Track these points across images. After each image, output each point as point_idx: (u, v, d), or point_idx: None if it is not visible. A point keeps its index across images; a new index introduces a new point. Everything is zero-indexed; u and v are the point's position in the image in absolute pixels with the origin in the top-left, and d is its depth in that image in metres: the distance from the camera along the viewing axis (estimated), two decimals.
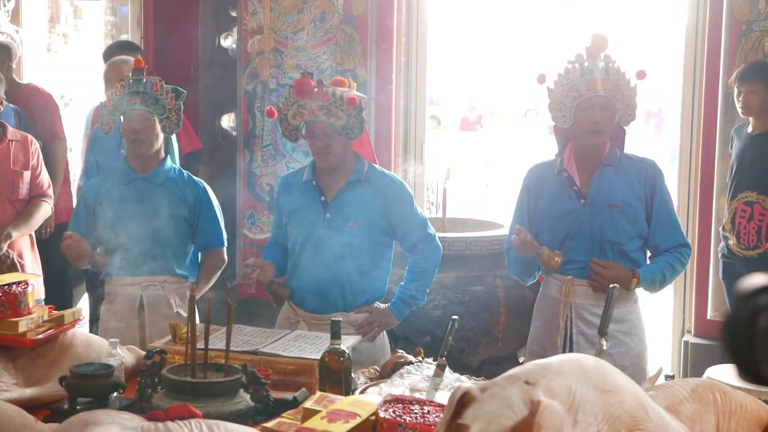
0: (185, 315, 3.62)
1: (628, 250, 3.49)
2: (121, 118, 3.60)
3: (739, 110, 4.81)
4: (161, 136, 3.68)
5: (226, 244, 3.81)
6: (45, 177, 4.53)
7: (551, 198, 3.56)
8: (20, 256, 4.38)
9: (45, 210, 4.49)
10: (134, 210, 3.62)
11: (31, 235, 4.54)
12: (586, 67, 3.44)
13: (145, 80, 3.60)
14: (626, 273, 3.46)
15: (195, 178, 3.79)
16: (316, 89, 3.42)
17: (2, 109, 4.41)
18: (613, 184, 3.48)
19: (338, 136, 3.42)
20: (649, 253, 3.58)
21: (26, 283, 3.06)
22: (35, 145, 4.48)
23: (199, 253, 3.81)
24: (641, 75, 3.46)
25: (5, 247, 4.24)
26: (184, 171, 3.81)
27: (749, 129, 4.83)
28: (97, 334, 3.70)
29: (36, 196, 4.46)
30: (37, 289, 3.94)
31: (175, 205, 3.65)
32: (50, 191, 4.57)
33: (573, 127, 3.47)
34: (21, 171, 4.39)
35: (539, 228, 3.56)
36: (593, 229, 3.48)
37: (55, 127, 5.30)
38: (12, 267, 4.22)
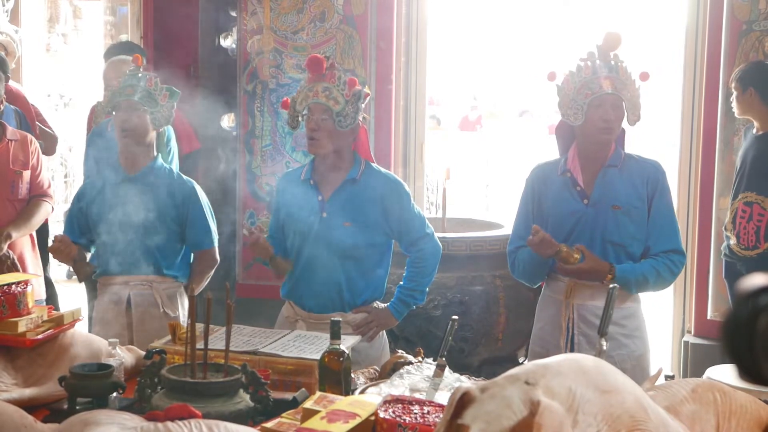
0: (172, 315, 3.64)
1: (631, 251, 3.48)
2: (114, 112, 3.64)
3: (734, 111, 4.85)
4: (152, 132, 3.69)
5: (216, 243, 3.80)
6: (45, 176, 4.53)
7: (554, 198, 3.55)
8: (21, 256, 4.37)
9: (45, 210, 4.49)
10: (123, 210, 3.63)
11: (31, 235, 4.54)
12: (599, 65, 3.44)
13: (140, 75, 3.65)
14: (602, 266, 3.42)
15: (184, 177, 3.80)
16: (326, 71, 3.44)
17: (2, 107, 4.40)
18: (616, 185, 3.47)
19: (331, 121, 3.43)
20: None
21: (26, 283, 3.06)
22: (35, 145, 4.48)
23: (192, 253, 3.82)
24: (645, 76, 3.46)
25: (5, 247, 4.24)
26: (174, 170, 3.82)
27: (754, 130, 4.84)
28: (92, 331, 3.72)
29: (36, 195, 4.45)
30: (37, 290, 3.94)
31: (163, 204, 3.66)
32: (50, 191, 4.56)
33: (584, 124, 3.45)
34: (20, 171, 4.38)
35: (542, 228, 3.55)
36: (596, 230, 3.46)
37: (30, 128, 5.28)
38: (12, 267, 4.21)
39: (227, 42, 5.95)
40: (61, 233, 3.73)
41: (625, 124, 3.51)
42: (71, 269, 7.92)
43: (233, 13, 5.90)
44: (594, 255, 3.42)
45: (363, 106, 3.51)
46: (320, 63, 3.47)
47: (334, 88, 3.43)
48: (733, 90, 4.82)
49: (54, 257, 3.64)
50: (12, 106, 5.04)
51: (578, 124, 3.45)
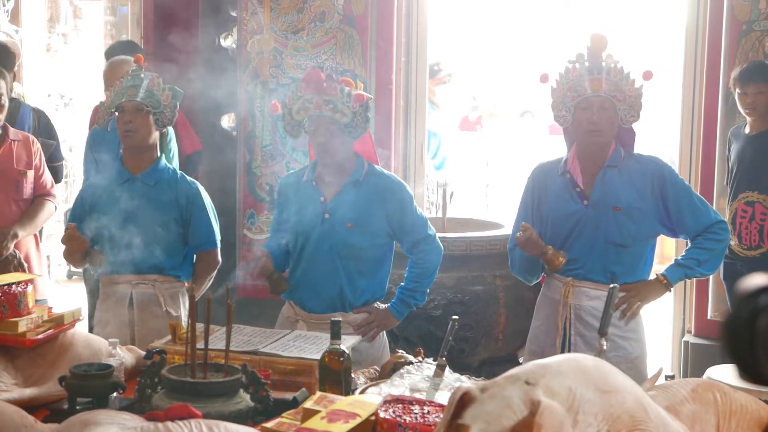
0: (174, 314, 3.64)
1: (634, 250, 3.48)
2: (116, 113, 3.63)
3: (744, 112, 4.79)
4: (155, 133, 3.69)
5: (219, 245, 3.80)
6: (48, 176, 4.54)
7: (554, 198, 3.55)
8: (27, 256, 4.39)
9: (49, 209, 4.50)
10: (126, 210, 3.63)
11: (35, 235, 4.56)
12: (587, 66, 3.43)
13: (142, 75, 3.63)
14: (653, 283, 3.49)
15: (188, 178, 3.80)
16: (325, 83, 3.43)
17: (5, 104, 4.37)
18: (616, 185, 3.46)
19: (341, 133, 3.43)
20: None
21: (26, 283, 3.06)
22: (37, 145, 4.49)
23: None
24: (648, 75, 3.43)
25: (12, 246, 4.26)
26: (178, 171, 3.82)
27: (747, 130, 4.82)
28: (93, 331, 3.72)
29: (40, 195, 4.46)
30: (40, 290, 3.95)
31: (166, 205, 3.66)
32: (54, 190, 4.57)
33: (573, 127, 3.47)
34: (24, 171, 4.39)
35: (542, 228, 3.56)
36: (596, 231, 3.46)
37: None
38: (19, 267, 4.25)
39: (227, 42, 5.95)
40: (69, 223, 3.73)
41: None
42: (71, 269, 7.90)
43: (233, 13, 5.89)
44: (635, 283, 3.47)
45: (371, 115, 3.51)
46: (319, 77, 3.45)
47: (338, 101, 3.42)
48: (742, 91, 4.75)
49: (68, 246, 3.61)
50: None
51: (567, 126, 3.47)
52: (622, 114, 3.41)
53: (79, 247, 3.59)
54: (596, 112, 3.40)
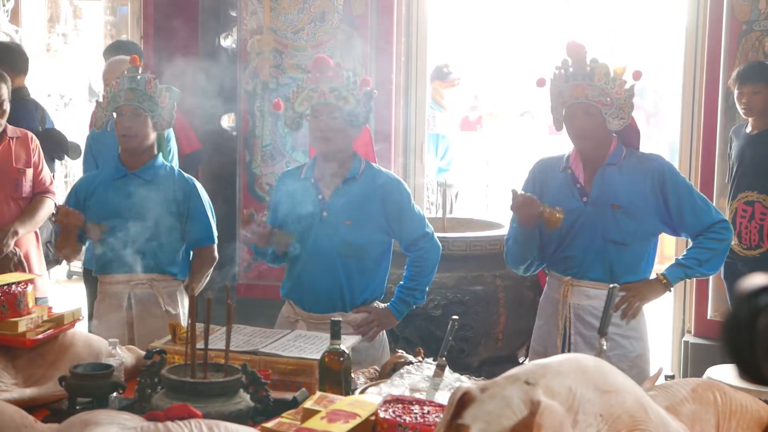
0: (173, 313, 3.64)
1: (636, 248, 3.47)
2: (114, 114, 3.63)
3: (741, 112, 4.79)
4: (153, 134, 3.69)
5: (216, 241, 3.80)
6: (47, 173, 4.54)
7: (555, 194, 3.54)
8: (27, 254, 4.39)
9: (49, 206, 4.50)
10: (123, 206, 3.62)
11: (36, 233, 4.56)
12: (571, 72, 3.41)
13: (138, 77, 3.62)
14: (653, 283, 3.47)
15: (185, 174, 3.80)
16: (331, 72, 3.44)
17: (6, 109, 4.37)
18: (616, 183, 3.45)
19: (342, 121, 3.43)
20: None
21: (26, 282, 3.06)
22: (35, 142, 4.48)
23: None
24: (637, 75, 3.41)
25: (12, 244, 4.26)
26: (175, 168, 3.82)
27: (748, 129, 4.82)
28: (92, 331, 3.72)
29: (39, 192, 4.47)
30: (40, 288, 3.95)
31: (164, 201, 3.65)
32: (52, 187, 4.57)
33: (567, 131, 3.48)
34: (24, 168, 4.39)
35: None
36: (595, 228, 3.46)
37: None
38: (19, 265, 4.25)
39: (227, 42, 5.95)
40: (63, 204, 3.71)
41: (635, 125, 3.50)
42: (71, 269, 7.89)
43: (233, 13, 5.89)
44: (635, 283, 3.46)
45: (373, 105, 3.52)
46: (327, 62, 3.47)
47: (343, 88, 3.43)
48: (739, 91, 4.75)
49: (64, 223, 3.59)
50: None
51: (560, 130, 3.49)
52: (609, 118, 3.37)
53: (76, 222, 3.56)
54: (581, 118, 3.39)
